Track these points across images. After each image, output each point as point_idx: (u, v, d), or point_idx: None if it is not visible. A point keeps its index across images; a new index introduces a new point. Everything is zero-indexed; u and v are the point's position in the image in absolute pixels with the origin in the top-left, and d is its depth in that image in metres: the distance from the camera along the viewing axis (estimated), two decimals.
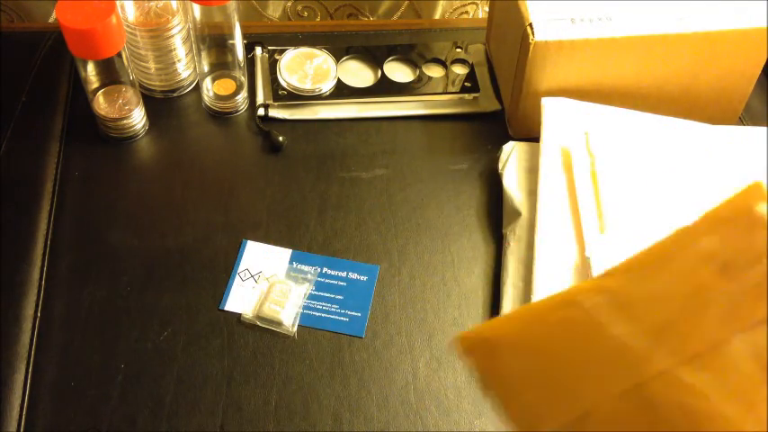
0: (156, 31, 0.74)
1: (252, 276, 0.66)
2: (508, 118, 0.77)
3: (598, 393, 0.38)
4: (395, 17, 0.98)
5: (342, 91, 0.79)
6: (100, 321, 0.63)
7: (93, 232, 0.69)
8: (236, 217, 0.70)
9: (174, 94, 0.79)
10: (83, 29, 0.64)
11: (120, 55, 0.69)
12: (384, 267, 0.67)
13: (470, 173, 0.74)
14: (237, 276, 0.66)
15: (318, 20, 0.99)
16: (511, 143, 0.73)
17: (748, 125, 0.78)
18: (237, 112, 0.78)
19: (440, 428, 0.59)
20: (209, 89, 0.77)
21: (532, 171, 0.69)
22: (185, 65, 0.78)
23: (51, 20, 0.95)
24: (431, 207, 0.72)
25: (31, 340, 0.62)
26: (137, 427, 0.58)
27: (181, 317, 0.64)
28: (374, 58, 0.82)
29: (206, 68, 0.77)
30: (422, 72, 0.81)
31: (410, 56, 0.82)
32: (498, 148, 0.73)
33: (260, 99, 0.78)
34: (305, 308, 0.65)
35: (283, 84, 0.78)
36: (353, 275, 0.67)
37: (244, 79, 0.78)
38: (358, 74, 0.81)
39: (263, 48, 0.82)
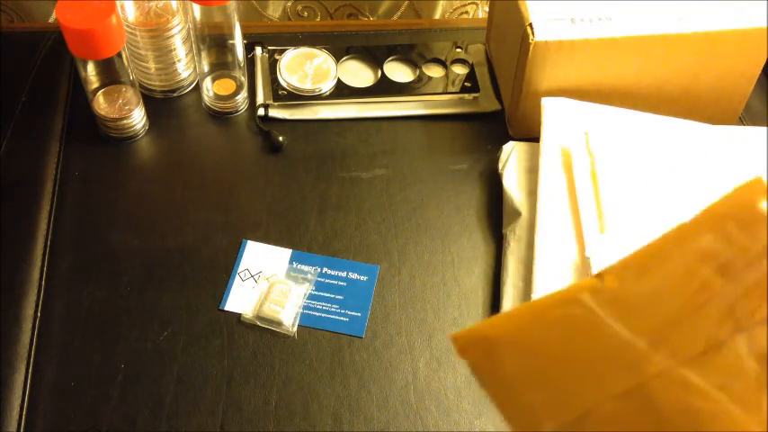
0: (156, 31, 0.74)
1: (252, 276, 0.66)
2: (508, 118, 0.77)
3: (598, 393, 0.38)
4: (395, 17, 0.98)
5: (342, 91, 0.79)
6: (100, 321, 0.63)
7: (93, 232, 0.69)
8: (236, 217, 0.70)
9: (174, 94, 0.79)
10: (83, 29, 0.64)
11: (120, 55, 0.69)
12: (384, 267, 0.67)
13: (470, 173, 0.74)
14: (237, 276, 0.66)
15: (318, 20, 0.99)
16: (511, 143, 0.73)
17: (748, 125, 0.78)
18: (237, 112, 0.78)
19: (440, 428, 0.59)
20: (209, 89, 0.77)
21: (532, 171, 0.69)
22: (185, 65, 0.78)
23: (51, 20, 0.95)
24: (431, 207, 0.71)
25: (31, 340, 0.62)
26: (137, 427, 0.58)
27: (181, 317, 0.64)
28: (374, 58, 0.82)
29: (206, 68, 0.77)
30: (422, 72, 0.81)
31: (410, 56, 0.82)
32: (498, 148, 0.73)
33: (260, 99, 0.78)
34: (305, 308, 0.65)
35: (283, 84, 0.78)
36: (353, 275, 0.67)
37: (244, 79, 0.77)
38: (358, 74, 0.81)
39: (263, 48, 0.82)
